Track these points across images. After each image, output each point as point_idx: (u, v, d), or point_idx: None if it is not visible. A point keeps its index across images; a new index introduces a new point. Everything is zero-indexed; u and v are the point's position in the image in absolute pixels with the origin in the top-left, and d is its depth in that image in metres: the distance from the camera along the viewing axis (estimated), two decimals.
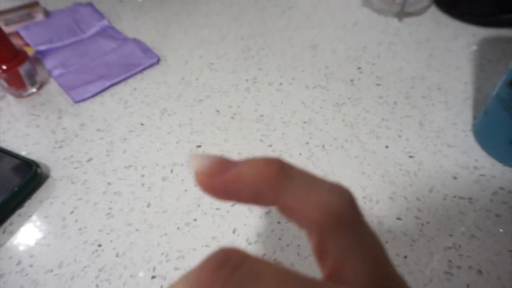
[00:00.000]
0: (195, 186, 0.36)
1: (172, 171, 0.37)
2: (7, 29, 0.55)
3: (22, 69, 0.44)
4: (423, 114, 0.42)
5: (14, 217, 0.35)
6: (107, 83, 0.47)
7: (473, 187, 0.35)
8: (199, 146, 0.40)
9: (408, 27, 0.54)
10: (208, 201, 0.35)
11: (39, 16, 0.58)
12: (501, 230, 0.31)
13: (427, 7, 0.58)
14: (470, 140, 0.39)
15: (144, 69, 0.49)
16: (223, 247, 0.10)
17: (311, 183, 0.12)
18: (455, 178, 0.35)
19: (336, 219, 0.12)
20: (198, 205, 0.35)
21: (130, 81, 0.48)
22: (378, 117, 0.41)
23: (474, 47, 0.50)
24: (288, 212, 0.13)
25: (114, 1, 0.64)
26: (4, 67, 0.43)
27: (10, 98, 0.47)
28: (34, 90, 0.47)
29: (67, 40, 0.54)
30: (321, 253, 0.12)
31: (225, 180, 0.13)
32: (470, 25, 0.54)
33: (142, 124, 0.42)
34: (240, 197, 0.13)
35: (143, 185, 0.36)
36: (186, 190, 0.36)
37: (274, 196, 0.12)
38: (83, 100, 0.46)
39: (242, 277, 0.09)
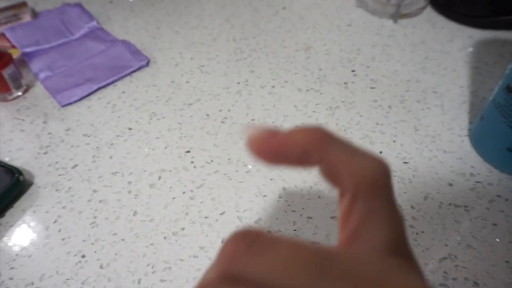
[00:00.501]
0: (183, 193, 0.35)
1: (160, 177, 0.36)
2: None
3: (6, 72, 0.43)
4: (418, 118, 0.41)
5: None
6: (95, 87, 0.46)
7: (469, 194, 0.34)
8: (188, 152, 0.38)
9: (403, 29, 0.54)
10: (197, 209, 0.34)
11: (27, 17, 0.56)
12: (497, 239, 0.30)
13: (423, 8, 0.57)
14: (466, 145, 0.38)
15: (133, 71, 0.48)
16: (238, 229, 0.12)
17: (354, 149, 0.13)
18: (450, 185, 0.34)
19: (372, 183, 0.13)
20: (186, 213, 0.33)
21: (119, 84, 0.47)
22: (372, 122, 0.40)
23: (470, 49, 0.49)
24: (328, 172, 0.14)
25: (104, 1, 0.62)
26: None
27: None
28: (19, 93, 0.46)
29: (54, 42, 0.53)
30: (347, 213, 0.13)
31: (276, 142, 0.14)
32: (466, 27, 0.53)
33: (130, 129, 0.41)
34: (289, 159, 0.14)
35: (129, 192, 0.35)
36: (174, 198, 0.35)
37: (319, 157, 0.13)
38: (70, 104, 0.44)
39: (260, 247, 0.11)
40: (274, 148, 0.14)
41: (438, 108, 0.42)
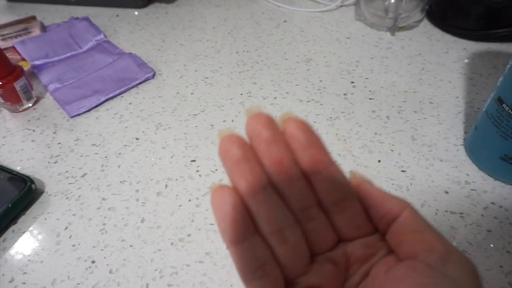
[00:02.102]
0: (189, 201, 0.36)
1: (166, 186, 0.38)
2: (4, 44, 0.55)
3: (18, 85, 0.45)
4: (415, 128, 0.42)
5: (8, 233, 0.35)
6: (102, 98, 0.47)
7: (465, 202, 0.35)
8: (194, 161, 0.40)
9: (401, 41, 0.55)
10: (202, 216, 0.35)
11: (36, 31, 0.58)
12: (492, 245, 0.32)
13: (419, 21, 0.59)
14: (461, 154, 0.39)
15: (140, 83, 0.50)
16: None
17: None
18: (446, 192, 0.36)
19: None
20: (192, 220, 0.35)
21: (126, 95, 0.48)
22: (371, 132, 0.42)
23: (466, 61, 0.51)
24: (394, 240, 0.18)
25: (110, 15, 0.64)
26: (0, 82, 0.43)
27: (5, 112, 0.47)
28: (29, 105, 0.47)
29: (63, 54, 0.55)
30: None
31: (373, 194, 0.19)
32: (461, 39, 0.55)
33: (137, 139, 0.43)
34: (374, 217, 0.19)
35: (137, 200, 0.37)
36: (180, 205, 0.36)
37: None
38: (79, 115, 0.46)
39: None
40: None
41: (435, 118, 0.43)
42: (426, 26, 0.58)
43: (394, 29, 0.57)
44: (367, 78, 0.49)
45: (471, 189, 0.36)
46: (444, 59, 0.52)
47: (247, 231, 0.16)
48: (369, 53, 0.53)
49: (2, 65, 0.43)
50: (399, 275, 0.16)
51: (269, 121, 0.17)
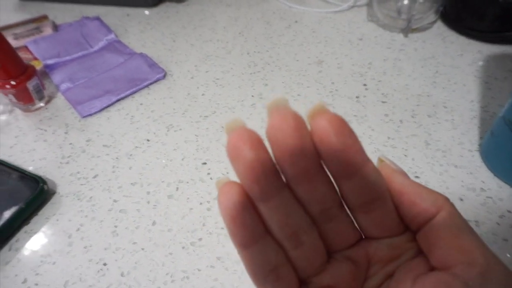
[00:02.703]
0: (200, 204, 0.36)
1: (177, 188, 0.38)
2: (16, 43, 0.56)
3: (30, 84, 0.45)
4: (429, 133, 0.41)
5: (20, 234, 0.35)
6: (114, 98, 0.47)
7: (480, 209, 0.34)
8: (205, 163, 0.40)
9: (414, 43, 0.55)
10: (213, 220, 0.35)
11: (48, 30, 0.58)
12: (508, 255, 0.31)
13: (433, 22, 0.58)
14: (476, 160, 0.38)
15: (151, 83, 0.50)
16: None
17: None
18: (461, 200, 0.35)
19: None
20: (203, 224, 0.35)
21: (137, 95, 0.48)
22: (384, 136, 0.41)
23: (480, 64, 0.50)
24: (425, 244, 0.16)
25: (121, 14, 0.64)
26: (12, 82, 0.43)
27: (18, 112, 0.47)
28: (42, 104, 0.48)
29: (74, 54, 0.55)
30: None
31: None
32: (476, 41, 0.54)
33: (148, 140, 0.43)
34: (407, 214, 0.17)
35: (148, 202, 0.37)
36: (191, 209, 0.36)
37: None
38: (90, 115, 0.46)
39: None
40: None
41: (449, 122, 0.43)
42: (440, 27, 0.57)
43: (407, 30, 0.56)
44: (379, 81, 0.48)
45: (487, 197, 0.35)
46: (459, 62, 0.51)
47: (258, 234, 0.15)
48: (382, 55, 0.53)
49: (14, 65, 0.43)
50: (436, 282, 0.14)
51: (297, 124, 0.14)
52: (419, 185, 0.16)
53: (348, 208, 0.16)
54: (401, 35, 0.56)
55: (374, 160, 0.16)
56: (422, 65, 0.51)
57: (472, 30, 0.55)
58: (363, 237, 0.17)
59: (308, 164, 0.14)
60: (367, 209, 0.16)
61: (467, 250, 0.14)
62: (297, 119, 0.14)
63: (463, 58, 0.52)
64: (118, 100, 0.48)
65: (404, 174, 0.16)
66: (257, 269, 0.16)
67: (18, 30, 0.58)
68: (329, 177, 0.15)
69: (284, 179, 0.15)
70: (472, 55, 0.52)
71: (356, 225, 0.17)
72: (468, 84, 0.47)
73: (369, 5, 0.62)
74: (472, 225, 0.33)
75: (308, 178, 0.14)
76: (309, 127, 0.14)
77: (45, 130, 0.45)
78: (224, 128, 0.14)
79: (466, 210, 0.34)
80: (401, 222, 0.16)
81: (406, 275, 0.16)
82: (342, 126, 0.14)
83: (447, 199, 0.15)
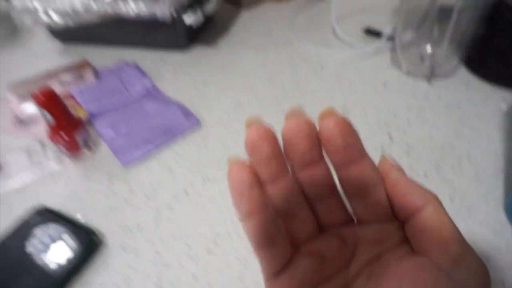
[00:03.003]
0: (237, 259, 0.39)
1: (215, 242, 0.40)
2: (62, 90, 0.60)
3: (79, 136, 0.49)
4: (454, 188, 0.43)
5: (74, 285, 0.38)
6: (152, 147, 0.51)
7: (506, 270, 0.36)
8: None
9: (437, 90, 0.56)
10: (250, 276, 0.37)
11: (90, 77, 0.63)
12: None
13: (456, 68, 0.59)
14: (502, 218, 0.40)
15: (186, 132, 0.53)
16: None
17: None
18: (487, 259, 0.37)
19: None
20: (241, 281, 0.37)
21: (173, 145, 0.52)
22: None
23: (505, 112, 0.51)
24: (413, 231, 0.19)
25: (156, 59, 0.69)
26: (64, 136, 0.48)
27: (67, 161, 0.51)
28: (87, 152, 0.52)
29: (114, 101, 0.59)
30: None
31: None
32: (500, 88, 0.55)
33: (185, 192, 0.46)
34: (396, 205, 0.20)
35: (188, 256, 0.39)
36: (228, 264, 0.38)
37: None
38: (130, 163, 0.50)
39: None
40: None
41: (473, 177, 0.44)
42: (464, 73, 0.59)
43: (430, 77, 0.58)
44: (404, 131, 0.50)
45: None
46: (482, 110, 0.52)
47: (260, 207, 0.18)
48: (406, 102, 0.55)
49: (67, 119, 0.48)
50: (406, 268, 0.17)
51: (309, 131, 0.17)
52: (412, 181, 0.19)
53: (345, 194, 0.20)
54: (424, 82, 0.58)
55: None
56: (446, 113, 0.52)
57: (496, 76, 0.56)
58: (355, 221, 0.20)
59: (313, 158, 0.18)
60: (361, 196, 0.19)
61: (445, 241, 0.17)
62: (310, 126, 0.17)
63: (486, 106, 0.53)
64: (156, 149, 0.51)
65: (401, 170, 0.19)
66: (256, 236, 0.18)
67: (63, 78, 0.63)
68: (327, 166, 0.19)
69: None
70: (496, 103, 0.53)
71: (349, 210, 0.20)
72: (492, 135, 0.49)
73: (392, 49, 0.64)
74: (499, 285, 0.35)
75: (310, 167, 0.18)
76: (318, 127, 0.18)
77: (92, 179, 0.49)
78: (244, 123, 0.18)
79: (492, 270, 0.36)
80: (392, 211, 0.19)
81: (390, 256, 0.18)
82: (347, 127, 0.17)
83: (435, 197, 0.18)
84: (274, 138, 0.18)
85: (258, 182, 0.18)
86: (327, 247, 0.20)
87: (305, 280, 0.19)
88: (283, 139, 0.18)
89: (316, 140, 0.18)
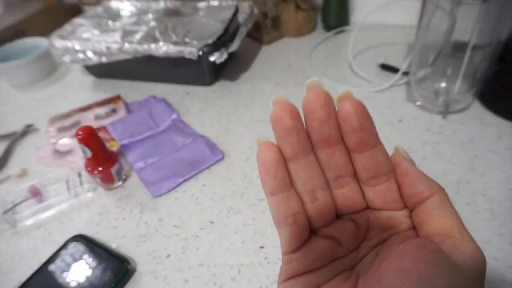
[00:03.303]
0: (259, 287, 0.41)
1: (239, 271, 0.43)
2: (96, 124, 0.65)
3: (113, 169, 0.53)
4: (469, 222, 0.45)
5: None
6: (180, 180, 0.54)
7: None
8: (262, 247, 0.45)
9: (452, 125, 0.58)
10: None
11: (122, 111, 0.68)
12: None
13: (470, 103, 0.62)
14: None
15: (211, 165, 0.57)
16: None
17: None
18: None
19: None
20: None
21: (200, 176, 0.55)
22: None
23: None
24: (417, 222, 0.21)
25: (182, 93, 0.73)
26: (100, 168, 0.52)
27: (100, 190, 0.55)
28: (120, 183, 0.56)
29: (145, 134, 0.63)
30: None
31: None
32: None
33: (211, 222, 0.49)
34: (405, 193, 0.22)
35: (215, 284, 0.42)
36: None
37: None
38: (160, 195, 0.53)
39: None
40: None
41: (488, 212, 0.46)
42: (478, 108, 0.61)
43: (445, 112, 0.60)
44: (420, 166, 0.52)
45: None
46: (497, 146, 0.54)
47: (285, 186, 0.20)
48: (421, 138, 0.57)
49: (103, 154, 0.52)
50: (409, 248, 0.19)
51: (326, 100, 0.18)
52: (421, 172, 0.21)
53: (358, 180, 0.21)
54: (439, 117, 0.60)
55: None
56: (461, 149, 0.54)
57: (510, 112, 0.58)
58: (368, 207, 0.22)
59: (331, 132, 0.19)
60: (373, 183, 0.21)
61: (449, 228, 0.19)
62: (327, 96, 0.19)
63: (501, 142, 0.55)
64: (183, 181, 0.55)
65: (412, 162, 0.22)
66: (279, 213, 0.20)
67: (98, 111, 0.68)
68: (347, 151, 0.20)
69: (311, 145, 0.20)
70: (510, 138, 0.55)
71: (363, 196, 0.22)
72: (507, 171, 0.50)
73: (407, 84, 0.67)
74: None
75: (329, 145, 0.20)
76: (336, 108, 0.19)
77: (124, 209, 0.52)
78: (271, 101, 0.20)
79: None
80: (401, 200, 0.21)
81: (396, 239, 0.21)
82: (362, 110, 0.19)
83: (442, 188, 0.20)
84: (297, 113, 0.19)
85: (284, 161, 0.20)
86: (343, 232, 0.22)
87: (319, 258, 0.21)
88: (304, 110, 0.19)
89: (333, 112, 0.19)
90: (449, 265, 0.17)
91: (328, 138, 0.19)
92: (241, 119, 0.65)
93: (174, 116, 0.66)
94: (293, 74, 0.75)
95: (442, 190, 0.20)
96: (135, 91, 0.76)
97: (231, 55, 0.82)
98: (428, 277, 0.17)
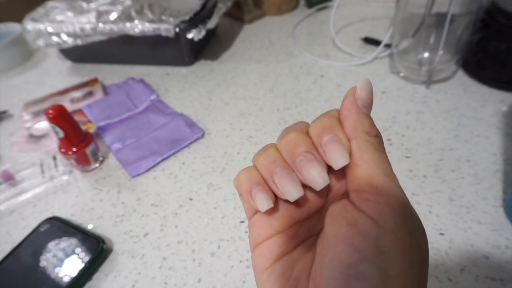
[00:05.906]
0: (240, 262, 0.40)
1: (219, 246, 0.42)
2: (72, 107, 0.63)
3: (88, 150, 0.51)
4: (453, 188, 0.44)
5: None
6: (159, 159, 0.53)
7: (505, 267, 0.36)
8: (242, 222, 0.44)
9: (436, 94, 0.57)
10: (253, 277, 0.38)
11: (99, 93, 0.66)
12: None
13: (454, 72, 0.61)
14: (500, 216, 0.40)
15: (191, 143, 0.55)
16: None
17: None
18: (486, 257, 0.37)
19: None
20: (244, 282, 0.38)
21: (179, 155, 0.54)
22: (408, 192, 0.44)
23: (503, 114, 0.52)
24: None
25: (161, 74, 0.71)
26: (74, 149, 0.50)
27: (76, 173, 0.53)
28: (96, 165, 0.54)
29: (122, 115, 0.61)
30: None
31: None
32: (498, 91, 0.56)
33: (190, 199, 0.47)
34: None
35: (193, 260, 0.41)
36: (232, 266, 0.40)
37: None
38: (138, 175, 0.52)
39: None
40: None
41: (472, 177, 0.45)
42: (461, 77, 0.60)
43: (429, 82, 0.59)
44: (403, 135, 0.51)
45: None
46: (481, 113, 0.53)
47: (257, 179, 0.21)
48: (405, 108, 0.56)
49: (77, 134, 0.50)
50: (334, 212, 0.20)
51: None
52: (353, 111, 0.20)
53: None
54: (423, 87, 0.59)
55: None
56: (445, 117, 0.53)
57: (494, 79, 0.57)
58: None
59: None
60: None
61: (364, 177, 0.19)
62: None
63: (485, 108, 0.54)
64: (162, 160, 0.53)
65: (355, 103, 0.20)
66: (248, 183, 0.21)
67: (74, 95, 0.66)
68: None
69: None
70: (494, 105, 0.54)
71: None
72: (491, 136, 0.49)
73: (390, 56, 0.66)
74: (498, 284, 0.35)
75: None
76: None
77: (101, 190, 0.51)
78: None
79: (491, 268, 0.36)
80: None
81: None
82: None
83: (366, 132, 0.20)
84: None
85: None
86: (309, 204, 0.22)
87: (279, 219, 0.22)
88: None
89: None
90: (365, 223, 0.18)
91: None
92: (222, 97, 0.63)
93: (153, 97, 0.65)
94: (275, 52, 0.73)
95: (364, 134, 0.19)
96: (113, 74, 0.74)
97: (212, 35, 0.80)
98: (349, 238, 0.18)
